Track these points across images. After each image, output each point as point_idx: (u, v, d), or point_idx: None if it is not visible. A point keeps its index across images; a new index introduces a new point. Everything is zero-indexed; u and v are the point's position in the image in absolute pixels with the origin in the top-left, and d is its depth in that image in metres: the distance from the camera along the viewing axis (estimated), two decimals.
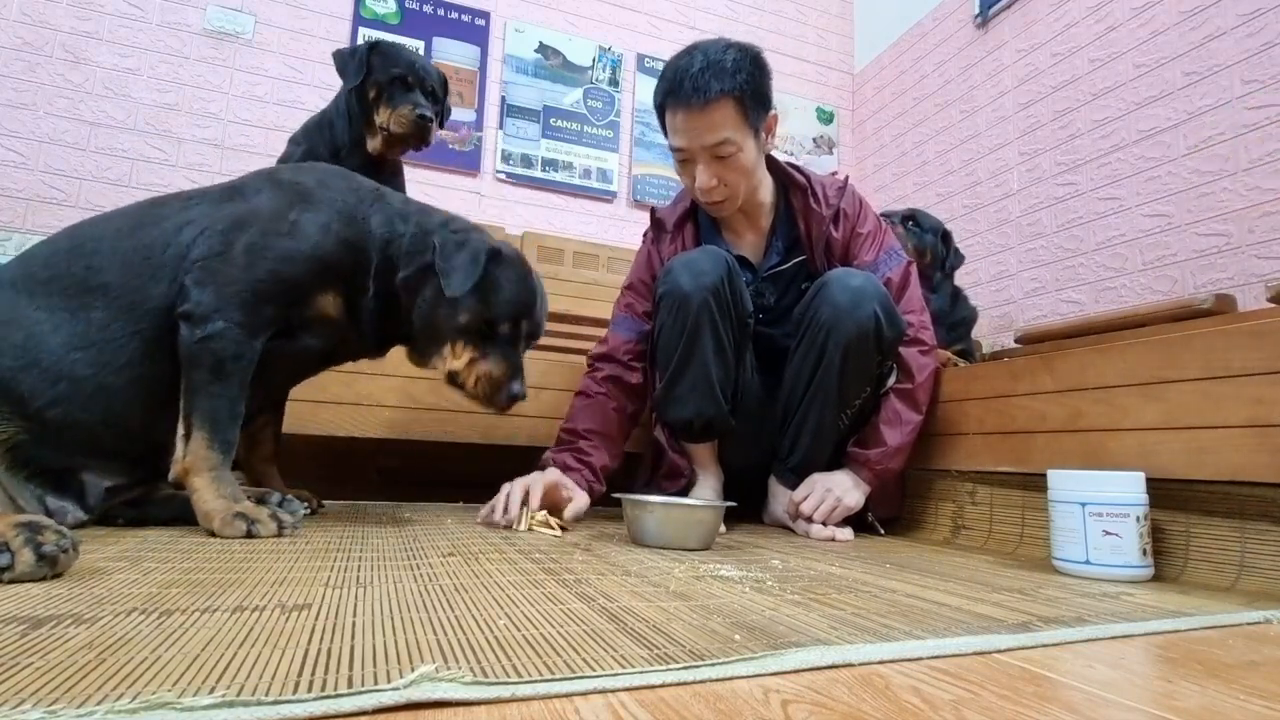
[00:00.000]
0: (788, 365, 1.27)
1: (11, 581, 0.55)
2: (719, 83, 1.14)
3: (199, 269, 0.91)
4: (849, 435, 1.27)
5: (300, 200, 0.98)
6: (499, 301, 1.03)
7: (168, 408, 0.92)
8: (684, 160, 1.23)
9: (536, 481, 1.13)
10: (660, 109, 1.23)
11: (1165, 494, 0.91)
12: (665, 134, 1.26)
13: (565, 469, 1.21)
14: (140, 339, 0.91)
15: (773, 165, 1.36)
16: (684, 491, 1.29)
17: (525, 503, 1.10)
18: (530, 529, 1.06)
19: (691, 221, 1.39)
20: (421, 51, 2.83)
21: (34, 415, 0.84)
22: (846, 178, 1.38)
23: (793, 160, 1.42)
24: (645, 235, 1.45)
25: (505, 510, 1.09)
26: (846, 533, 1.18)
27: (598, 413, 1.30)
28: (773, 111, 1.24)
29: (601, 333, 1.46)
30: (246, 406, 0.95)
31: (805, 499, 1.21)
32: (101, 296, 0.90)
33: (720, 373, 1.22)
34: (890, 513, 1.34)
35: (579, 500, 1.17)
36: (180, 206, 0.97)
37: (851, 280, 1.19)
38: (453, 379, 1.05)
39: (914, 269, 1.35)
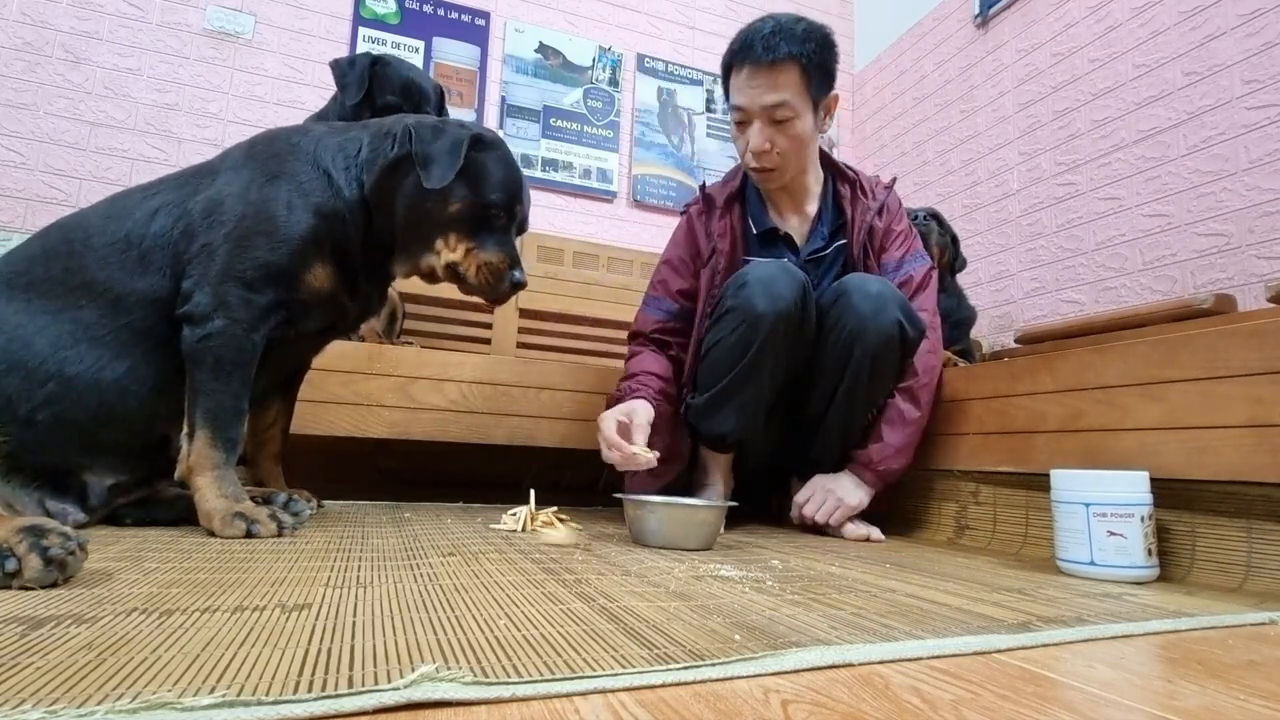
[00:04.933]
0: (812, 372, 1.25)
1: (21, 588, 0.54)
2: (788, 45, 1.18)
3: (193, 268, 0.91)
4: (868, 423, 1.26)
5: (265, 178, 0.97)
6: (490, 187, 1.01)
7: (166, 398, 0.91)
8: (741, 122, 1.26)
9: (609, 417, 1.16)
10: (726, 69, 1.27)
11: (1170, 494, 0.91)
12: (728, 98, 1.28)
13: (629, 393, 1.24)
14: (130, 331, 0.90)
15: (823, 158, 1.39)
16: (679, 478, 1.29)
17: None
18: (534, 530, 1.06)
19: (739, 201, 1.39)
20: (421, 52, 2.83)
21: (24, 419, 0.84)
22: (894, 179, 1.42)
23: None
24: (686, 210, 1.45)
25: (614, 447, 1.12)
26: (876, 532, 1.19)
27: (649, 361, 1.32)
28: (834, 93, 1.27)
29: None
30: (253, 392, 0.95)
31: (807, 501, 1.21)
32: (85, 295, 0.90)
33: (771, 397, 1.22)
34: (878, 508, 1.33)
35: (640, 415, 1.17)
36: (143, 196, 0.97)
37: (870, 287, 1.19)
38: (454, 271, 1.02)
39: (935, 273, 1.36)
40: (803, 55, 1.19)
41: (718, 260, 1.33)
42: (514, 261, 1.03)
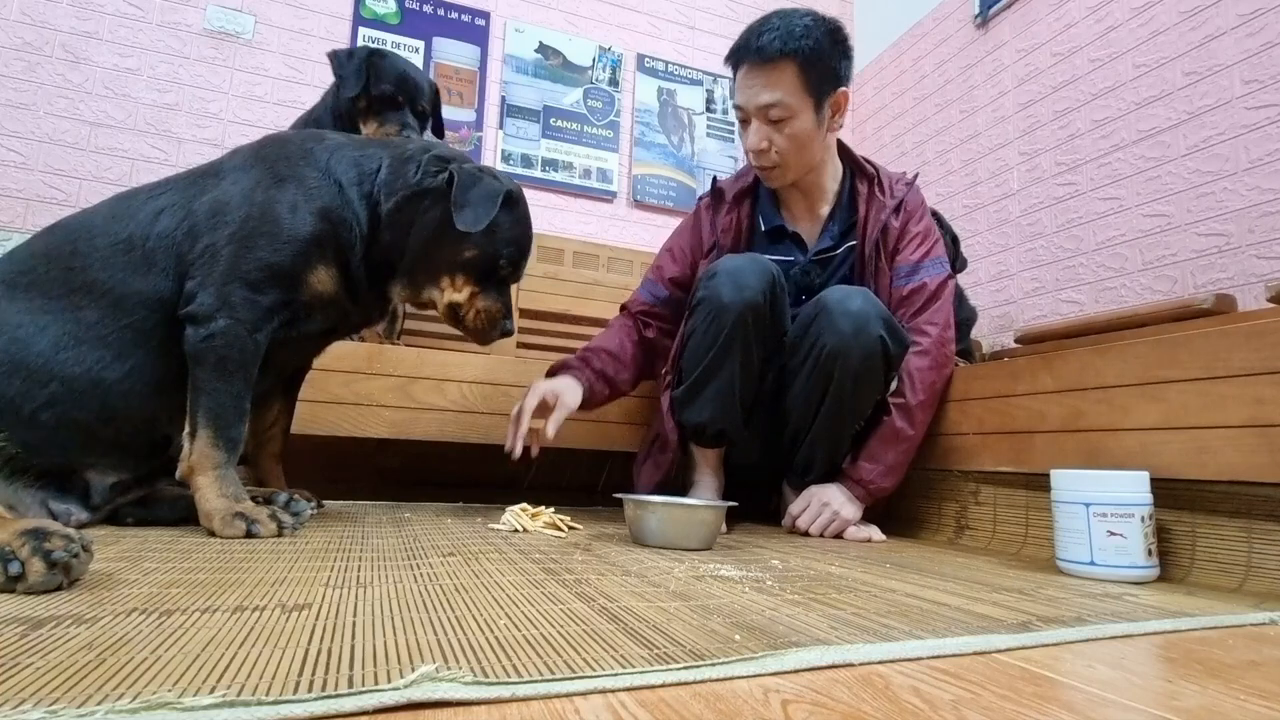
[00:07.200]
0: (792, 387, 1.24)
1: (26, 593, 0.53)
2: (783, 43, 1.17)
3: (197, 268, 0.91)
4: (862, 436, 1.26)
5: (272, 180, 0.97)
6: (506, 241, 1.08)
7: (168, 397, 0.92)
8: (743, 120, 1.27)
9: (538, 389, 1.22)
10: (732, 67, 1.27)
11: (1170, 494, 0.91)
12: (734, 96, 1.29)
13: (565, 368, 1.30)
14: (132, 331, 0.91)
15: (844, 152, 1.36)
16: (672, 468, 1.30)
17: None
18: (526, 529, 1.06)
19: (750, 197, 1.39)
20: (421, 52, 2.83)
21: (27, 419, 0.84)
22: (916, 174, 1.38)
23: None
24: (699, 201, 1.45)
25: (520, 422, 1.20)
26: (877, 533, 1.19)
27: (613, 337, 1.37)
28: (843, 89, 1.24)
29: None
30: (255, 392, 0.95)
31: (802, 513, 1.21)
32: (87, 295, 0.90)
33: (743, 387, 1.21)
34: (875, 509, 1.33)
35: (568, 396, 1.23)
36: (148, 197, 0.97)
37: (851, 304, 1.16)
38: (454, 311, 1.09)
39: (953, 283, 1.32)
40: (799, 53, 1.17)
41: (718, 255, 1.33)
42: (507, 311, 1.11)
